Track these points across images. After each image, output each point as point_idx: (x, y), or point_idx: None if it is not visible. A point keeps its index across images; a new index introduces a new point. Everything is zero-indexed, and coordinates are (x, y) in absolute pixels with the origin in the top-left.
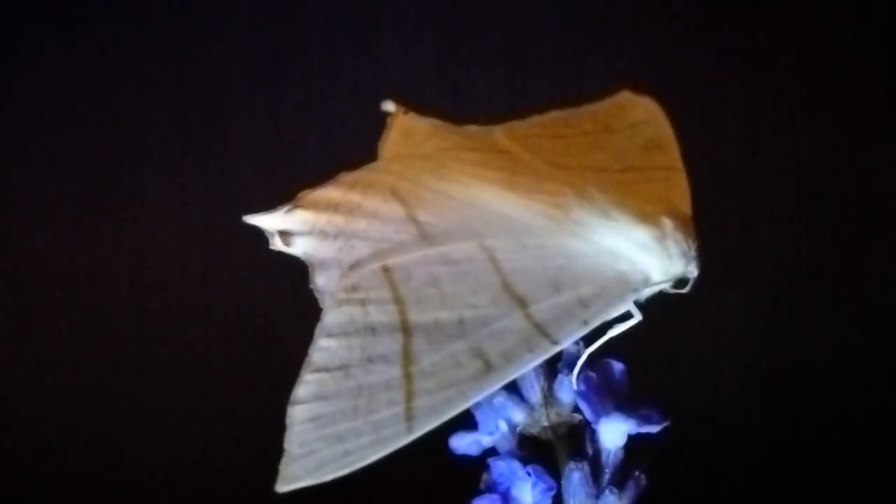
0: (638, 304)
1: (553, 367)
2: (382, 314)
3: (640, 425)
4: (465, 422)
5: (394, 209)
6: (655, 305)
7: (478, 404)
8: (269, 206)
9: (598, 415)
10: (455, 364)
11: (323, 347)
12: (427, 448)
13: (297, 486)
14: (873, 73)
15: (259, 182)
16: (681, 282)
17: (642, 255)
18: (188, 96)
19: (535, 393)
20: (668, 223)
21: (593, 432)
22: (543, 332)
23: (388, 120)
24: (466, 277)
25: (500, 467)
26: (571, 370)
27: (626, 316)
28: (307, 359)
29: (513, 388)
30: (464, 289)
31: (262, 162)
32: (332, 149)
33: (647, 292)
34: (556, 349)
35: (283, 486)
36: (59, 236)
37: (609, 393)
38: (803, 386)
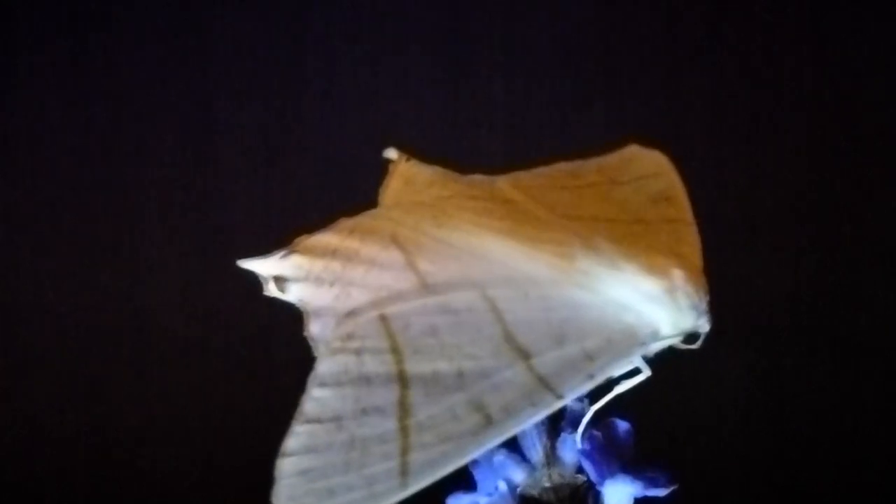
0: (646, 360)
1: (556, 425)
2: (378, 364)
3: (646, 488)
4: (463, 481)
5: (393, 256)
6: (663, 362)
7: (476, 462)
8: (265, 251)
9: (603, 476)
10: (453, 417)
11: (315, 398)
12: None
13: None
14: (882, 127)
15: (256, 227)
16: (691, 337)
17: (651, 307)
18: (189, 141)
19: (536, 452)
20: (678, 274)
21: (597, 495)
22: (547, 385)
23: (390, 167)
24: (467, 327)
25: None
26: (575, 428)
27: (634, 371)
28: (299, 409)
29: (513, 446)
30: (464, 339)
31: (260, 207)
32: (331, 195)
33: (656, 347)
34: (560, 404)
35: None
36: (58, 259)
37: (614, 454)
38: (809, 446)
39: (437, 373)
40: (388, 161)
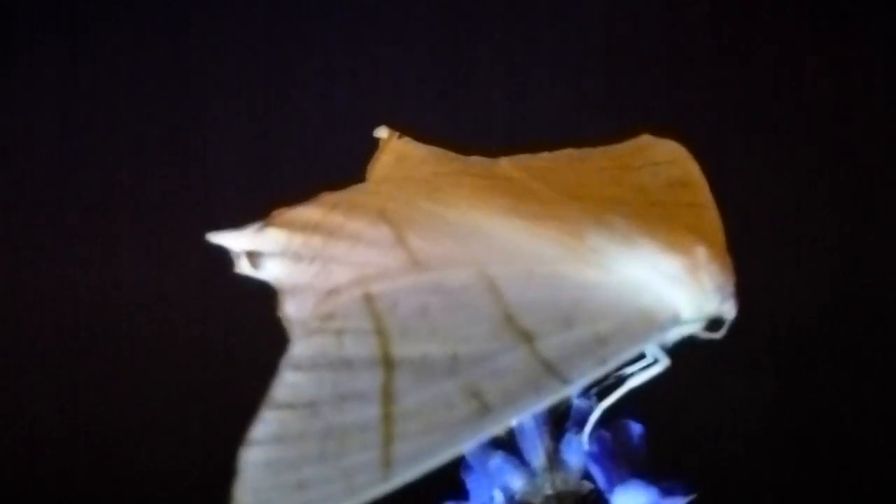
0: (664, 349)
1: (560, 426)
2: (361, 346)
3: (661, 497)
4: (453, 489)
5: (381, 232)
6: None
7: (469, 468)
8: (238, 226)
9: (613, 482)
10: (445, 404)
11: (288, 383)
12: None
13: None
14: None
15: (232, 203)
16: (714, 324)
17: (671, 288)
18: (172, 111)
19: (537, 455)
20: (701, 252)
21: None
22: (552, 370)
23: (381, 144)
24: (462, 308)
25: None
26: (581, 428)
27: (650, 361)
28: (268, 394)
29: (511, 449)
30: (458, 321)
31: (237, 182)
32: (314, 173)
33: (676, 333)
34: (567, 390)
35: None
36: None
37: (625, 459)
38: (834, 455)
39: (427, 356)
40: (379, 141)
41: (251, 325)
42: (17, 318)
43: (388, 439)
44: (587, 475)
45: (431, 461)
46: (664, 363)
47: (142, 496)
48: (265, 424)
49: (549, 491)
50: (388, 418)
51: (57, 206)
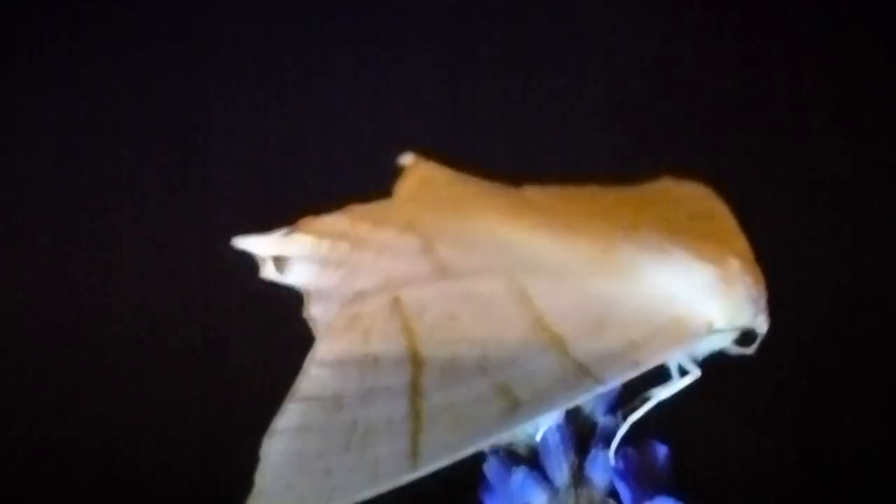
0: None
1: (586, 444)
2: (388, 345)
3: None
4: None
5: (408, 241)
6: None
7: (489, 488)
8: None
9: (639, 500)
10: (475, 400)
11: (313, 377)
12: None
13: None
14: None
15: (235, 206)
16: (746, 339)
17: (704, 297)
18: (187, 132)
19: (562, 471)
20: (734, 264)
21: None
22: (585, 371)
23: (405, 169)
24: (491, 314)
25: None
26: (608, 445)
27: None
28: (293, 388)
29: (535, 466)
30: (488, 325)
31: (240, 186)
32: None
33: (707, 345)
34: (601, 389)
35: None
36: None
37: (650, 478)
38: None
39: (456, 357)
40: (403, 168)
41: (252, 327)
42: (16, 318)
43: (415, 431)
44: (612, 493)
45: (460, 452)
46: (695, 375)
47: (142, 496)
48: (289, 415)
49: None
50: (415, 412)
51: (57, 205)
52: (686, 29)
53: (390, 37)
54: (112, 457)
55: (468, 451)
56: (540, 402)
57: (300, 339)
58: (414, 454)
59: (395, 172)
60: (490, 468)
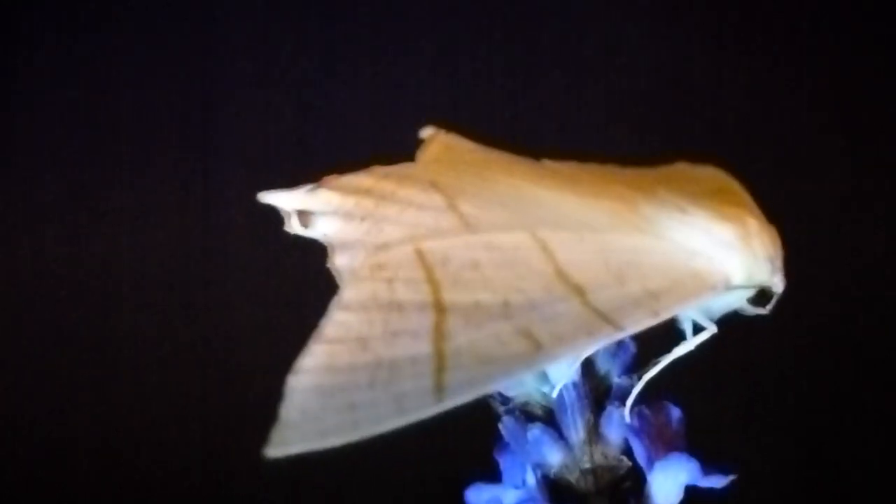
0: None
1: (600, 404)
2: (411, 292)
3: (703, 473)
4: (486, 468)
5: (432, 199)
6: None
7: (505, 446)
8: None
9: (653, 457)
10: (498, 342)
11: (338, 321)
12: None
13: (292, 450)
14: None
15: (236, 203)
16: (761, 299)
17: (723, 252)
18: (198, 105)
19: (577, 429)
20: (753, 223)
21: (641, 487)
22: (605, 318)
23: (426, 139)
24: (513, 265)
25: None
26: (623, 403)
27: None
28: (317, 331)
29: (551, 423)
30: (510, 274)
31: (246, 182)
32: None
33: (725, 302)
34: (621, 335)
35: (273, 451)
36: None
37: (664, 438)
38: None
39: (478, 303)
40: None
41: (252, 326)
42: (16, 318)
43: (439, 370)
44: (627, 451)
45: (483, 389)
46: (711, 331)
47: (142, 496)
48: (314, 356)
49: (587, 465)
50: (438, 353)
51: (57, 204)
52: (687, 30)
53: (417, 13)
54: (112, 456)
55: (490, 388)
56: (561, 345)
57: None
58: (438, 390)
59: (416, 144)
60: (506, 427)
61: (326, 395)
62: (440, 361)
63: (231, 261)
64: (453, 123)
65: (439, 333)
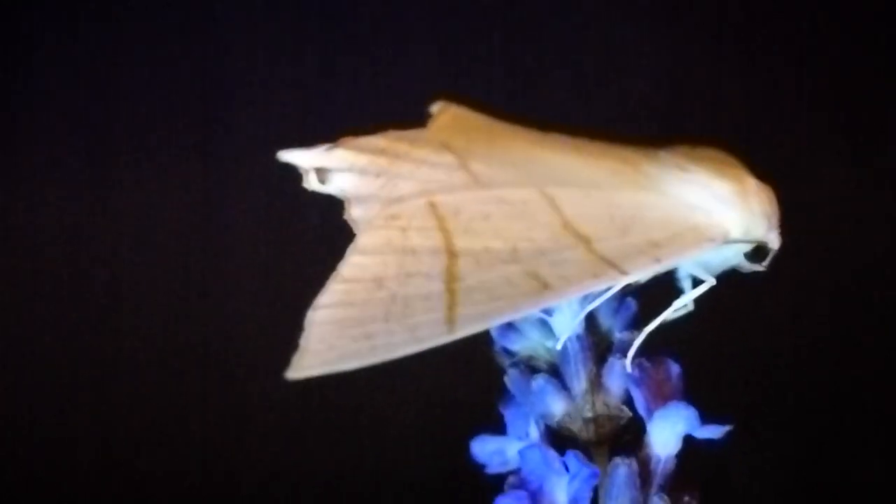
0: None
1: (603, 358)
2: (424, 239)
3: (702, 423)
4: (492, 421)
5: (445, 158)
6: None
7: (510, 398)
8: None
9: (653, 407)
10: (507, 283)
11: (354, 263)
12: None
13: (312, 373)
14: None
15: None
16: (758, 255)
17: (721, 207)
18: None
19: (580, 379)
20: (750, 181)
21: (641, 437)
22: (611, 264)
23: (434, 112)
24: (522, 217)
25: (534, 458)
26: (624, 357)
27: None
28: (335, 272)
29: (555, 375)
30: (519, 225)
31: (243, 177)
32: None
33: (721, 258)
34: (625, 280)
35: (294, 374)
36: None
37: (664, 390)
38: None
39: (488, 248)
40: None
41: (253, 326)
42: (16, 317)
43: (450, 305)
44: (628, 402)
45: (493, 322)
46: (710, 283)
47: (142, 496)
48: (331, 294)
49: (588, 414)
50: (451, 291)
51: (56, 202)
52: (687, 30)
53: (417, 13)
54: (112, 456)
55: (499, 321)
56: (567, 286)
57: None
58: (450, 322)
59: (426, 118)
60: (511, 379)
61: (343, 327)
62: (452, 298)
63: (232, 261)
64: (462, 96)
65: (451, 275)
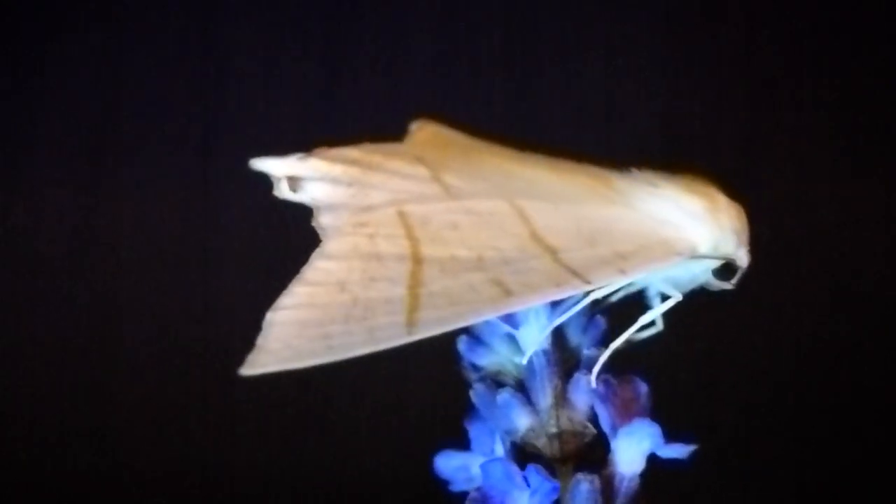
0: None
1: (570, 374)
2: (391, 246)
3: (666, 441)
4: (456, 437)
5: (418, 170)
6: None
7: (475, 413)
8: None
9: (617, 424)
10: (470, 289)
11: (319, 268)
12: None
13: (267, 370)
14: None
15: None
16: (726, 273)
17: (691, 222)
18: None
19: (545, 394)
20: (721, 198)
21: (605, 455)
22: (575, 273)
23: (412, 129)
24: (491, 227)
25: (496, 473)
26: (590, 373)
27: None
28: (298, 275)
29: (522, 390)
30: (486, 235)
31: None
32: None
33: (689, 275)
34: (587, 288)
35: (248, 370)
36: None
37: (629, 411)
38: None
39: (455, 257)
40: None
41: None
42: (16, 318)
43: (412, 309)
44: (593, 419)
45: (453, 325)
46: (676, 299)
47: (142, 496)
48: (293, 296)
49: (553, 429)
50: (414, 296)
51: (57, 201)
52: (688, 31)
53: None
54: (112, 456)
55: (460, 325)
56: (529, 293)
57: None
58: (411, 325)
59: (405, 134)
60: (477, 394)
61: (302, 328)
62: (414, 302)
63: (232, 261)
64: (441, 115)
65: (415, 280)
